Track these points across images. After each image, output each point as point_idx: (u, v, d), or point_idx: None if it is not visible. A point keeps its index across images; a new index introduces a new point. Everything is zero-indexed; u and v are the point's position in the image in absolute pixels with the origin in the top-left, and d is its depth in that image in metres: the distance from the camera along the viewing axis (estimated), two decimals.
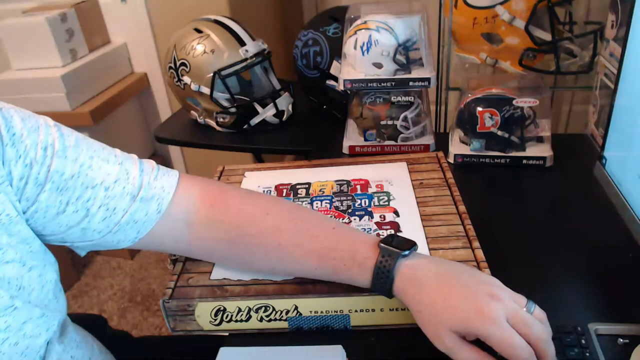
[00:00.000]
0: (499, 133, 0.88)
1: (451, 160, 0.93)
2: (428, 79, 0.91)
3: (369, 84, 0.93)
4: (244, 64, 1.14)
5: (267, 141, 1.18)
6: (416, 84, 0.92)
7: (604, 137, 0.69)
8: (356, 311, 0.57)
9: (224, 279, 0.61)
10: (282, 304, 0.57)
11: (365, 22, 0.93)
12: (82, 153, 0.53)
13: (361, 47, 0.92)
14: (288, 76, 1.31)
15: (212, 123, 1.22)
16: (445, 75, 1.11)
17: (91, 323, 0.70)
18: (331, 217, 0.71)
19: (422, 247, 0.62)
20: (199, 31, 1.17)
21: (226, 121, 1.19)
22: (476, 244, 0.62)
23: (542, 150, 0.89)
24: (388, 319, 0.58)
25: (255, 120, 1.18)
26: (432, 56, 0.95)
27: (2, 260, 0.47)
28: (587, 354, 0.51)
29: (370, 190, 0.76)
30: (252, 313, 0.58)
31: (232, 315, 0.59)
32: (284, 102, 1.19)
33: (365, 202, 0.73)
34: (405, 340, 0.57)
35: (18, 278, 0.48)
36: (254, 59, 1.16)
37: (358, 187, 0.77)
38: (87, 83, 1.76)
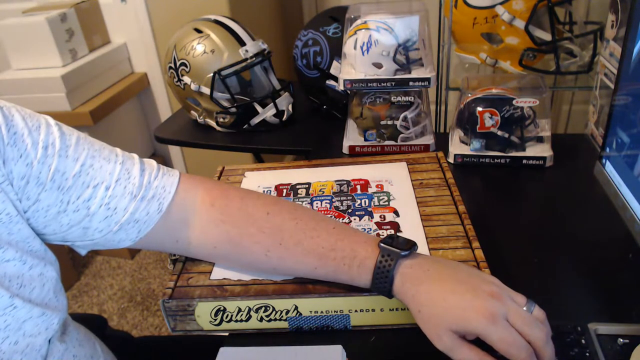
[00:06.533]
0: (499, 133, 0.88)
1: (451, 160, 0.93)
2: (428, 79, 0.91)
3: (369, 84, 0.93)
4: (244, 64, 1.14)
5: (267, 141, 1.18)
6: (416, 84, 0.92)
7: (604, 137, 0.69)
8: (356, 311, 0.57)
9: (224, 279, 0.61)
10: (282, 304, 0.57)
11: (365, 22, 0.93)
12: (83, 152, 0.53)
13: (361, 47, 0.92)
14: (288, 76, 1.31)
15: (212, 123, 1.22)
16: (445, 75, 1.11)
17: (91, 323, 0.70)
18: (331, 217, 0.71)
19: (422, 247, 0.62)
20: (199, 31, 1.17)
21: (226, 121, 1.19)
22: (476, 244, 0.62)
23: (542, 150, 0.89)
24: (388, 319, 0.58)
25: (255, 120, 1.18)
26: (432, 56, 0.95)
27: (2, 258, 0.47)
28: (587, 354, 0.51)
29: (370, 190, 0.76)
30: (252, 313, 0.58)
31: (232, 315, 0.59)
32: (284, 102, 1.19)
33: (365, 202, 0.73)
34: (405, 340, 0.57)
35: (19, 276, 0.48)
36: (254, 59, 1.16)
37: (358, 187, 0.77)
38: (87, 83, 1.76)
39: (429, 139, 0.97)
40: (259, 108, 1.18)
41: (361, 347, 0.57)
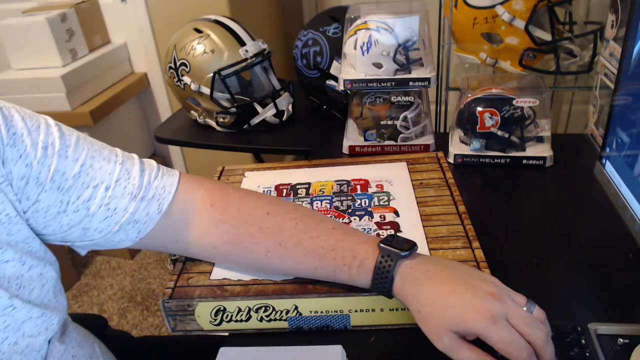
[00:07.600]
0: (499, 133, 0.88)
1: (451, 160, 0.93)
2: (428, 79, 0.91)
3: (369, 84, 0.93)
4: (244, 64, 1.14)
5: (267, 141, 1.18)
6: (416, 84, 0.92)
7: (604, 137, 0.69)
8: (356, 311, 0.57)
9: (224, 279, 0.61)
10: (282, 304, 0.57)
11: (365, 22, 0.93)
12: (82, 152, 0.53)
13: (361, 47, 0.92)
14: (288, 76, 1.31)
15: (212, 123, 1.22)
16: (445, 75, 1.11)
17: (91, 323, 0.70)
18: (331, 217, 0.71)
19: (422, 247, 0.62)
20: (199, 31, 1.17)
21: (226, 121, 1.19)
22: (476, 244, 0.62)
23: (542, 150, 0.89)
24: (388, 319, 0.58)
25: (255, 120, 1.18)
26: (432, 56, 0.95)
27: (1, 259, 0.47)
28: (587, 354, 0.51)
29: (370, 190, 0.76)
30: (252, 313, 0.58)
31: (232, 315, 0.59)
32: (284, 102, 1.19)
33: (365, 202, 0.73)
34: (405, 340, 0.57)
35: (18, 277, 0.48)
36: (254, 59, 1.16)
37: (358, 187, 0.77)
38: (87, 83, 1.76)
39: (429, 139, 0.97)
40: (259, 108, 1.18)
41: (361, 347, 0.57)
